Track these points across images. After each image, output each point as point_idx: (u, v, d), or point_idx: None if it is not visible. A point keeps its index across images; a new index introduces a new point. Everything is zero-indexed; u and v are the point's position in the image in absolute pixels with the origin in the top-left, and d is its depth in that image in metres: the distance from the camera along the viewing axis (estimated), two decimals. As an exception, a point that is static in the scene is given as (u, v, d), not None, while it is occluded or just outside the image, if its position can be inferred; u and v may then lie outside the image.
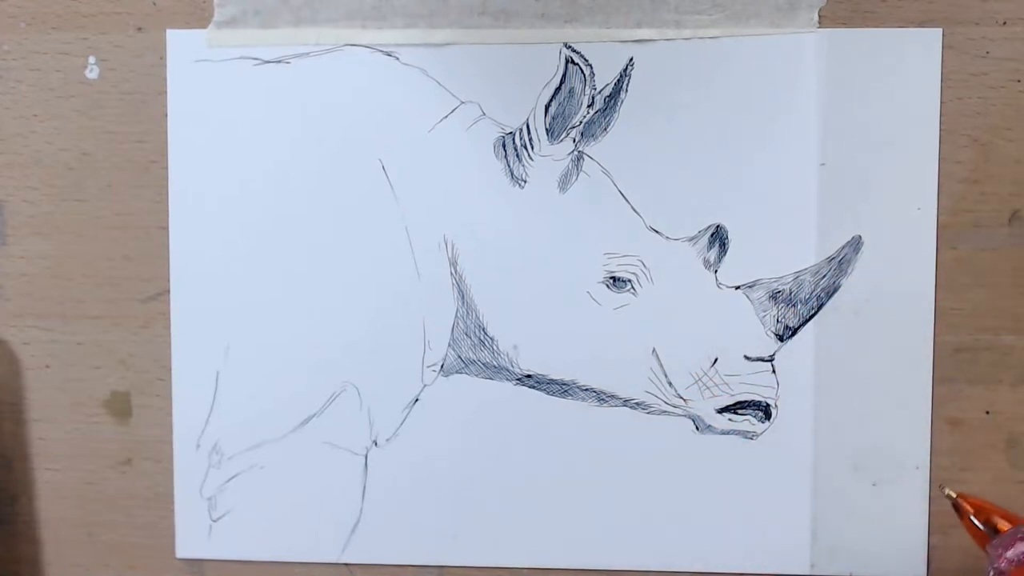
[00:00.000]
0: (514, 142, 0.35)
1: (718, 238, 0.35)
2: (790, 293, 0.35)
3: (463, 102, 0.35)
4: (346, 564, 0.37)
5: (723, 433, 0.35)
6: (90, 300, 0.37)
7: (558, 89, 0.35)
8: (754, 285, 0.35)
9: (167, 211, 0.37)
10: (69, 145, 0.37)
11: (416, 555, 0.37)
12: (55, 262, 0.37)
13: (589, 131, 0.35)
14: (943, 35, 0.34)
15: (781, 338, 0.35)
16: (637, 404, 0.35)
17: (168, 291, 0.37)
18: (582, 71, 0.35)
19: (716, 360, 0.35)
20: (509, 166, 0.35)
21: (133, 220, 0.37)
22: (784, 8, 0.34)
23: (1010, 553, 0.28)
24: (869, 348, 0.34)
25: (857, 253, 0.34)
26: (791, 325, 0.35)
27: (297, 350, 0.36)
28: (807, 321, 0.35)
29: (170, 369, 0.37)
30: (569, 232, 0.35)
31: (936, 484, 0.34)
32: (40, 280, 0.38)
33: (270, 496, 0.37)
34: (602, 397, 0.35)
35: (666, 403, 0.35)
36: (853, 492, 0.35)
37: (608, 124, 0.35)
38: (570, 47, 0.35)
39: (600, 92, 0.35)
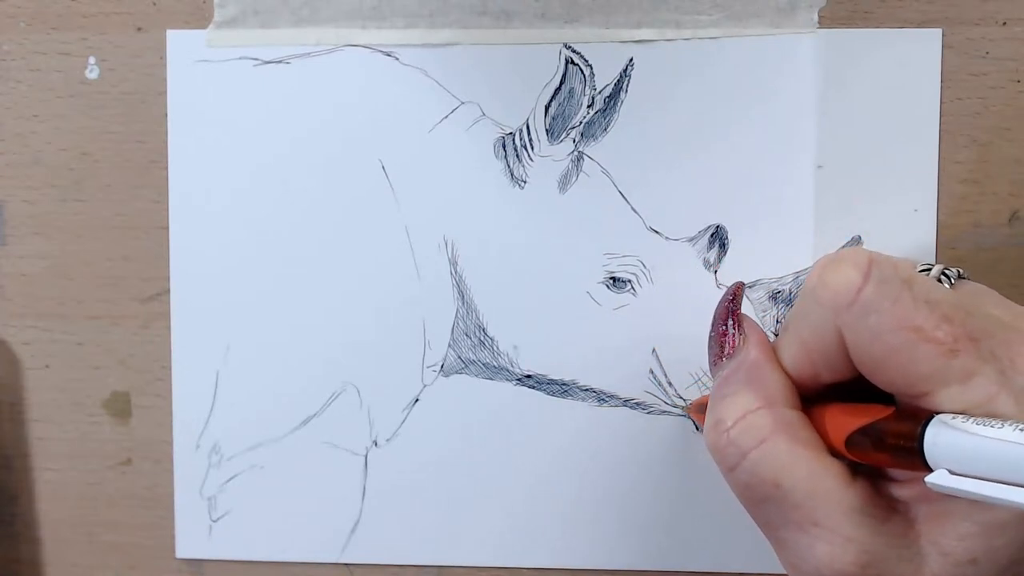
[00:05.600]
0: (514, 142, 0.35)
1: (718, 238, 0.35)
2: (790, 293, 0.35)
3: (463, 102, 0.35)
4: (346, 564, 0.37)
5: (723, 433, 0.35)
6: (90, 300, 0.37)
7: (558, 89, 0.35)
8: (754, 285, 0.35)
9: (167, 211, 0.37)
10: (69, 145, 0.37)
11: (416, 555, 0.37)
12: (55, 262, 0.37)
13: (589, 131, 0.35)
14: (943, 35, 0.34)
15: (781, 338, 0.34)
16: (637, 404, 0.35)
17: (168, 291, 0.37)
18: (582, 71, 0.35)
19: (716, 360, 0.34)
20: (509, 166, 0.35)
21: (133, 220, 0.37)
22: (784, 8, 0.34)
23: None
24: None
25: (857, 253, 0.34)
26: (791, 325, 0.34)
27: (297, 350, 0.36)
28: (807, 321, 0.34)
29: (170, 369, 0.37)
30: (569, 232, 0.35)
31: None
32: (40, 280, 0.38)
33: (270, 496, 0.37)
34: (602, 397, 0.36)
35: (666, 403, 0.35)
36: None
37: (608, 124, 0.35)
38: (570, 47, 0.35)
39: (600, 92, 0.35)
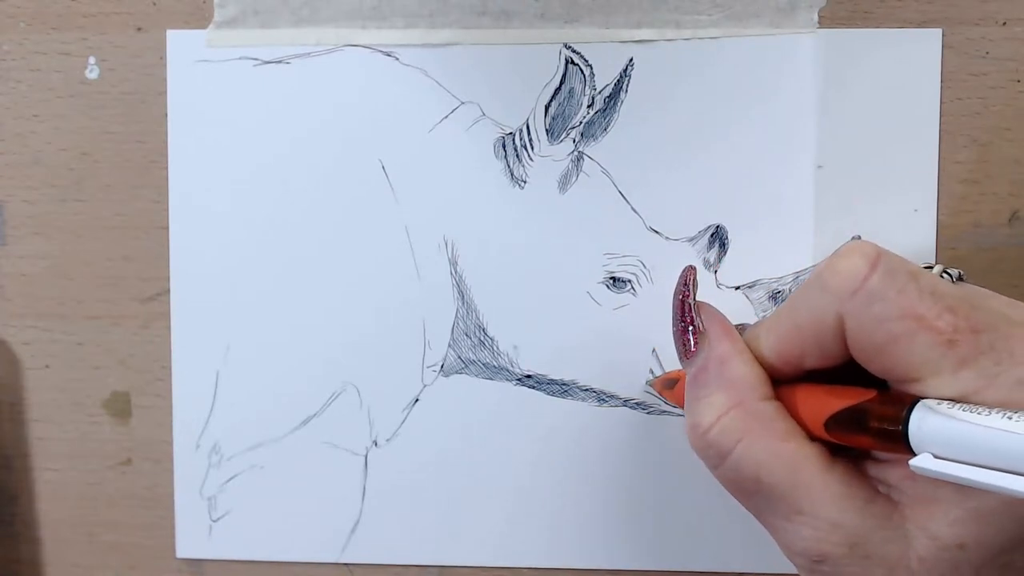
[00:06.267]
0: (514, 142, 0.35)
1: (718, 238, 0.35)
2: (790, 293, 0.35)
3: (463, 102, 0.35)
4: (346, 564, 0.37)
5: (723, 433, 0.35)
6: (90, 300, 0.37)
7: (558, 89, 0.35)
8: (754, 285, 0.35)
9: (167, 211, 0.37)
10: (69, 145, 0.37)
11: (416, 555, 0.37)
12: (55, 262, 0.37)
13: (589, 131, 0.35)
14: (943, 35, 0.34)
15: (781, 338, 0.34)
16: (637, 404, 0.35)
17: (168, 291, 0.37)
18: (582, 71, 0.35)
19: (716, 360, 0.34)
20: (509, 166, 0.35)
21: (133, 220, 0.37)
22: (784, 8, 0.34)
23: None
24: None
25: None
26: (791, 325, 0.34)
27: (297, 350, 0.36)
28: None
29: (170, 369, 0.37)
30: (569, 232, 0.35)
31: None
32: (40, 280, 0.38)
33: (270, 496, 0.37)
34: (602, 397, 0.36)
35: (665, 403, 0.35)
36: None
37: (608, 124, 0.35)
38: (570, 47, 0.35)
39: (600, 92, 0.35)
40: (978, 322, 0.24)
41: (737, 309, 0.35)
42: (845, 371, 0.26)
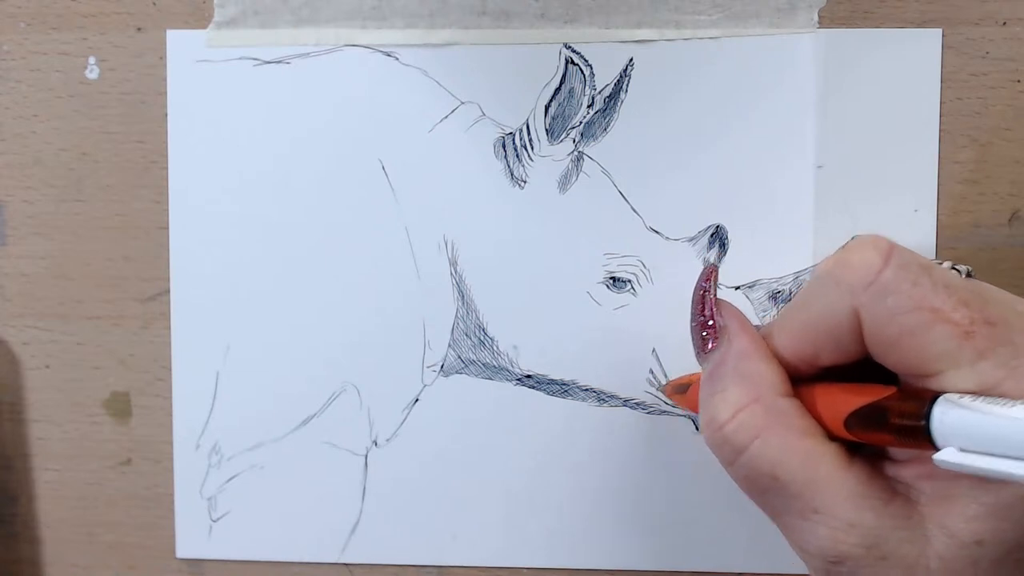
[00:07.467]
0: (514, 142, 0.35)
1: (718, 238, 0.35)
2: (790, 294, 0.35)
3: (463, 102, 0.35)
4: (346, 564, 0.37)
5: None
6: (90, 300, 0.37)
7: (558, 89, 0.35)
8: (754, 285, 0.35)
9: (167, 211, 0.37)
10: (69, 145, 0.37)
11: (416, 555, 0.37)
12: (55, 262, 0.37)
13: (589, 131, 0.35)
14: (943, 35, 0.34)
15: (781, 338, 0.34)
16: (637, 404, 0.35)
17: (168, 291, 0.37)
18: (582, 71, 0.35)
19: (716, 360, 0.34)
20: (509, 166, 0.35)
21: (133, 220, 0.37)
22: (784, 8, 0.34)
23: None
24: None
25: (857, 253, 0.34)
26: (791, 325, 0.34)
27: (297, 350, 0.36)
28: (807, 321, 0.34)
29: (170, 369, 0.37)
30: (569, 232, 0.35)
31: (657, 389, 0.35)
32: (40, 280, 0.38)
33: (270, 496, 0.37)
34: (602, 397, 0.36)
35: (666, 403, 0.35)
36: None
37: (608, 124, 0.35)
38: (570, 47, 0.35)
39: (600, 92, 0.35)
40: (991, 315, 0.23)
41: (737, 309, 0.35)
42: (860, 371, 0.26)
